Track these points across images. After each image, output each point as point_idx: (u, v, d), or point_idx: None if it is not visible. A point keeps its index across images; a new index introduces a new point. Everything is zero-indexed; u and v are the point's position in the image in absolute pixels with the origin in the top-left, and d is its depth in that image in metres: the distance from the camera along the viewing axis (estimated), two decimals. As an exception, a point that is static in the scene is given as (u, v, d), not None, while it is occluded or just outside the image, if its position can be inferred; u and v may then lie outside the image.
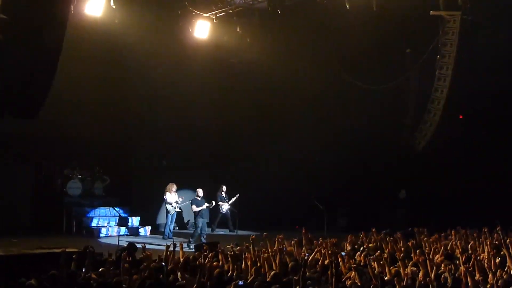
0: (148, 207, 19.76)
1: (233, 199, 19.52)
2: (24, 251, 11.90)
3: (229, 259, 9.26)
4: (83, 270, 9.01)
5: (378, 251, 10.50)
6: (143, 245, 10.66)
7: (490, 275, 8.34)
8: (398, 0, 17.49)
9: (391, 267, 8.87)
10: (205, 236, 16.62)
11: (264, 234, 11.72)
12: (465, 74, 19.07)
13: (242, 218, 19.60)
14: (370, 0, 16.43)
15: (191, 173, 20.90)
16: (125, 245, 11.95)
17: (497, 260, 9.31)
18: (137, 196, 20.09)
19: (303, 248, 11.18)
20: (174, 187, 17.96)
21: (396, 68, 20.79)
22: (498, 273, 8.39)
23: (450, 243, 11.52)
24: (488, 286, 7.89)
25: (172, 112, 20.90)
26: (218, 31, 18.85)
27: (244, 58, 20.33)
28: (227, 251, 10.11)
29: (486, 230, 12.90)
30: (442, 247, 10.78)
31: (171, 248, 9.57)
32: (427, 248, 10.93)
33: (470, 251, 10.66)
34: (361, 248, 11.33)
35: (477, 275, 8.21)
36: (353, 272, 8.31)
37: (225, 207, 19.57)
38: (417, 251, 10.26)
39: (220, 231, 19.72)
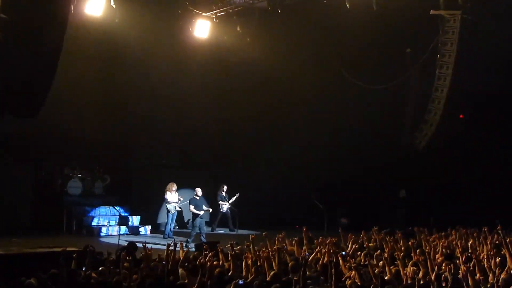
0: (148, 207, 19.75)
1: (233, 199, 19.58)
2: (24, 250, 11.87)
3: (229, 258, 9.26)
4: (83, 269, 9.01)
5: (379, 251, 10.50)
6: (144, 243, 10.64)
7: (490, 275, 8.35)
8: (398, 0, 17.49)
9: (391, 267, 8.86)
10: (204, 236, 16.65)
11: (264, 233, 11.75)
12: (465, 74, 19.06)
13: (242, 218, 19.63)
14: (370, -1, 16.47)
15: (191, 173, 20.93)
16: (125, 245, 11.95)
17: (497, 260, 9.30)
18: (137, 196, 20.08)
19: (304, 248, 11.17)
20: (175, 187, 17.95)
21: (396, 68, 20.76)
22: (497, 272, 8.39)
23: (450, 242, 11.51)
24: (489, 285, 7.89)
25: (172, 111, 20.89)
26: (218, 31, 18.88)
27: (244, 57, 20.31)
28: (227, 251, 10.10)
29: (486, 229, 12.92)
30: (442, 247, 10.77)
31: (171, 248, 9.56)
32: (427, 248, 10.92)
33: (470, 251, 10.65)
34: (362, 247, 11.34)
35: (478, 275, 8.20)
36: (353, 272, 8.29)
37: (225, 206, 19.61)
38: (418, 250, 10.25)
39: (221, 231, 19.75)
